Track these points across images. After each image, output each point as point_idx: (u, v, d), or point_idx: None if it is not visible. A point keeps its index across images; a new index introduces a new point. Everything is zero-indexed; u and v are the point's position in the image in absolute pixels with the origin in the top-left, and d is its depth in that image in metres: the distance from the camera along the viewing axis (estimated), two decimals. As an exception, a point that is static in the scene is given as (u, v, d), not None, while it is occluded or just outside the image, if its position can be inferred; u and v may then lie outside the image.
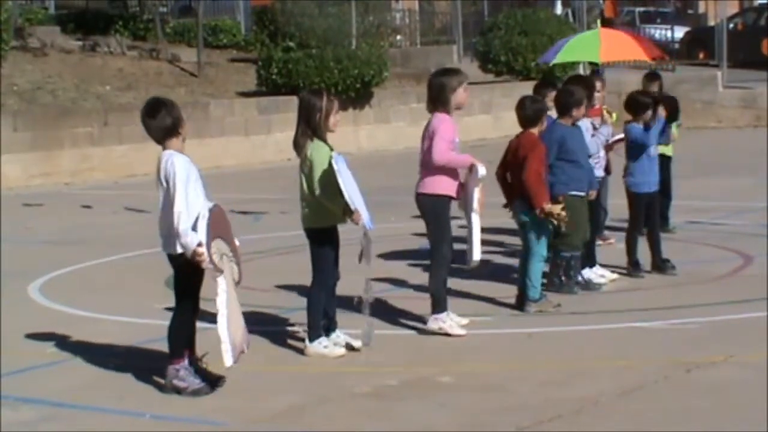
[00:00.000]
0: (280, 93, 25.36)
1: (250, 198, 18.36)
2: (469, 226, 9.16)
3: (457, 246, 9.27)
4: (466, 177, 9.06)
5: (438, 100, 9.04)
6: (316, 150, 8.38)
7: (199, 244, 7.31)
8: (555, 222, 9.69)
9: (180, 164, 7.44)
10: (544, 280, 9.98)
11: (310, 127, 8.41)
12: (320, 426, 7.00)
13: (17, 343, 9.21)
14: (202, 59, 27.63)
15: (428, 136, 9.00)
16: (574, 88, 10.61)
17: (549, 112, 10.52)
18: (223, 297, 7.48)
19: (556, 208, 9.62)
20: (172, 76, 27.04)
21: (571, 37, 12.25)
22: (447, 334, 8.92)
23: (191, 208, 7.37)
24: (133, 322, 9.83)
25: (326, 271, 8.50)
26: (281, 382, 7.94)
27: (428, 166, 8.99)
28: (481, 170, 8.95)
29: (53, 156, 22.16)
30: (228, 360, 7.54)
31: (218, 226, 7.50)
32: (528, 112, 9.79)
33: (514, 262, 10.50)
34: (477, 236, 9.13)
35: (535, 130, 9.80)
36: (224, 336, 7.51)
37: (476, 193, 9.03)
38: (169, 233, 7.49)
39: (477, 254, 9.18)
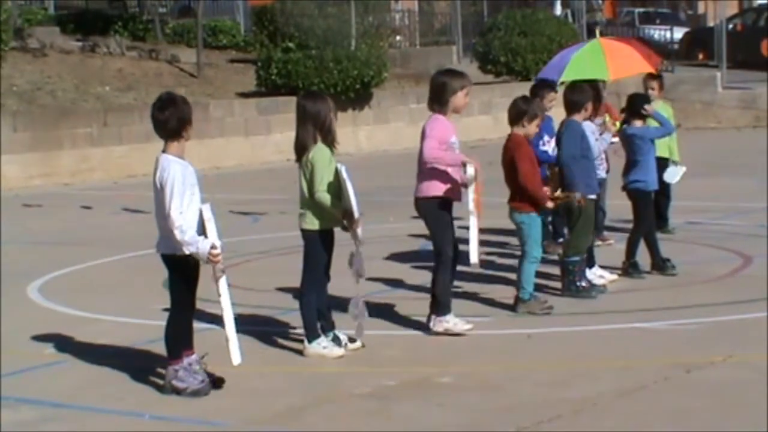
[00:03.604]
0: (280, 93, 25.37)
1: (250, 198, 18.35)
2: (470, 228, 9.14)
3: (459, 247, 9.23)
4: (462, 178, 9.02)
5: (436, 99, 9.02)
6: (317, 152, 8.38)
7: (213, 246, 7.34)
8: (571, 201, 9.74)
9: (177, 174, 7.42)
10: (536, 280, 9.94)
11: (322, 131, 8.40)
12: (320, 426, 7.00)
13: (17, 343, 9.20)
14: (202, 60, 27.63)
15: (421, 137, 8.99)
16: (586, 86, 10.65)
17: (548, 113, 10.52)
18: (226, 296, 7.50)
19: (562, 195, 9.67)
20: (172, 77, 27.03)
21: (570, 50, 12.12)
22: (455, 334, 8.91)
23: (188, 217, 7.38)
24: (133, 322, 9.83)
25: (317, 272, 8.50)
26: (281, 383, 7.93)
27: (422, 169, 8.98)
28: (469, 170, 8.84)
29: (53, 156, 22.17)
30: (237, 358, 7.56)
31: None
32: (510, 112, 9.77)
33: (514, 262, 10.49)
34: (473, 238, 9.01)
35: (520, 131, 9.69)
36: (232, 335, 7.54)
37: (470, 194, 8.97)
38: (164, 235, 7.49)
39: (474, 256, 9.03)
